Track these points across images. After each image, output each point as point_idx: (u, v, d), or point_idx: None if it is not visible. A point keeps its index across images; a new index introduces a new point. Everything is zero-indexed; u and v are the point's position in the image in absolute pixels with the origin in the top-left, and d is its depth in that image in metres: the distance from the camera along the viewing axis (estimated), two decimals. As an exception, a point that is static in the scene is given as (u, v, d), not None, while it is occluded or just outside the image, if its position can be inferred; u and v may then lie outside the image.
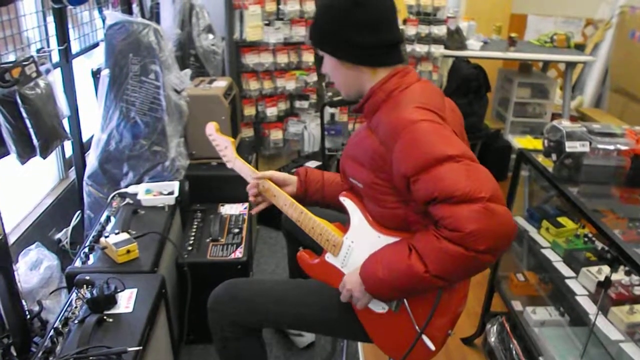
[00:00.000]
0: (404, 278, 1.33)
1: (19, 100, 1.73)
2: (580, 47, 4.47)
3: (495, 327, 2.29)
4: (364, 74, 1.46)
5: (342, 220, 1.59)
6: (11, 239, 2.01)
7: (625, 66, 4.37)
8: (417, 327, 1.46)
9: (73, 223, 2.45)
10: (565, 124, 1.92)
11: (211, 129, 1.81)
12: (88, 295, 1.56)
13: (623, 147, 1.89)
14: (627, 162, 1.91)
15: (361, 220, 1.51)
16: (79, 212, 2.49)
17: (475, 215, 1.20)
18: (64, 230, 2.40)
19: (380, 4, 1.41)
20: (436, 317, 1.44)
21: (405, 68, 1.46)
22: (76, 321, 1.52)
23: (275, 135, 3.56)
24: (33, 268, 2.03)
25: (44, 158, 1.90)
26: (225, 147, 1.80)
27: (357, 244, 1.53)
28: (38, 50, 2.05)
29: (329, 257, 1.60)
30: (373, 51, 1.43)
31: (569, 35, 4.12)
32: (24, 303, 1.73)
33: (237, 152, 1.78)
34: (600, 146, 1.88)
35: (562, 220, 2.07)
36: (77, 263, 1.84)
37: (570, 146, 1.86)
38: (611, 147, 1.89)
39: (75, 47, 2.47)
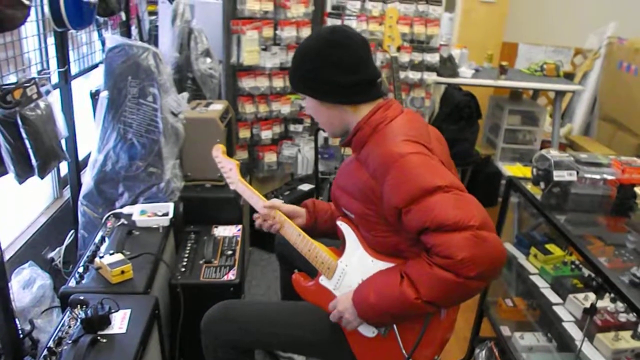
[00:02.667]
0: (395, 304, 1.36)
1: (19, 121, 1.76)
2: (569, 76, 4.57)
3: (484, 352, 2.31)
4: (346, 112, 1.51)
5: (337, 245, 1.63)
6: (5, 257, 2.01)
7: (613, 95, 4.46)
8: (404, 352, 1.48)
9: (66, 242, 2.46)
10: (553, 153, 1.97)
11: (218, 151, 1.87)
12: (82, 315, 1.57)
13: (609, 177, 1.94)
14: (613, 191, 1.96)
15: (356, 244, 1.54)
16: (72, 231, 2.50)
17: (466, 242, 1.24)
18: (57, 249, 2.40)
19: (354, 43, 1.47)
20: (424, 344, 1.47)
21: (387, 101, 1.51)
22: (70, 341, 1.53)
23: (270, 157, 3.60)
24: (26, 287, 2.04)
25: (42, 178, 1.92)
26: (229, 169, 1.84)
27: (351, 268, 1.56)
28: (39, 72, 2.09)
29: (322, 280, 1.63)
30: (352, 89, 1.48)
31: (559, 65, 4.21)
32: (17, 322, 1.73)
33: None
34: (587, 175, 1.93)
35: (550, 247, 2.10)
36: (72, 283, 1.85)
37: (558, 175, 1.91)
38: (597, 177, 1.94)
39: (74, 69, 2.51)
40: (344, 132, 1.55)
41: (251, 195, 1.79)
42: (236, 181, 1.82)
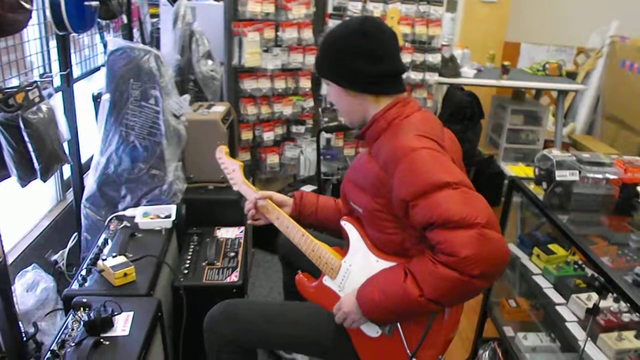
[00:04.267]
0: (399, 301, 1.36)
1: (21, 125, 1.77)
2: (572, 75, 4.57)
3: (487, 352, 2.30)
4: (367, 102, 1.51)
5: (341, 245, 1.63)
6: (8, 260, 2.02)
7: (616, 94, 4.45)
8: (408, 351, 1.48)
9: (69, 245, 2.46)
10: (555, 153, 1.97)
11: (221, 152, 1.87)
12: (85, 318, 1.58)
13: (611, 176, 1.93)
14: (616, 190, 1.95)
15: (360, 244, 1.55)
16: (75, 234, 2.51)
17: (470, 240, 1.24)
18: (61, 252, 2.41)
19: (384, 35, 1.48)
20: (427, 343, 1.47)
21: (406, 98, 1.52)
22: (73, 343, 1.53)
23: (272, 159, 3.60)
24: (29, 290, 2.04)
25: (45, 181, 1.93)
26: (233, 170, 1.85)
27: (355, 268, 1.56)
28: (41, 75, 2.09)
29: (326, 280, 1.63)
30: (376, 80, 1.48)
31: (561, 64, 4.20)
32: (20, 325, 1.74)
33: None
34: (589, 175, 1.93)
35: (553, 247, 2.10)
36: (75, 285, 1.85)
37: (560, 175, 1.91)
38: (600, 176, 1.93)
39: (76, 72, 2.52)
40: (362, 122, 1.55)
41: (253, 195, 1.79)
42: (239, 182, 1.82)
